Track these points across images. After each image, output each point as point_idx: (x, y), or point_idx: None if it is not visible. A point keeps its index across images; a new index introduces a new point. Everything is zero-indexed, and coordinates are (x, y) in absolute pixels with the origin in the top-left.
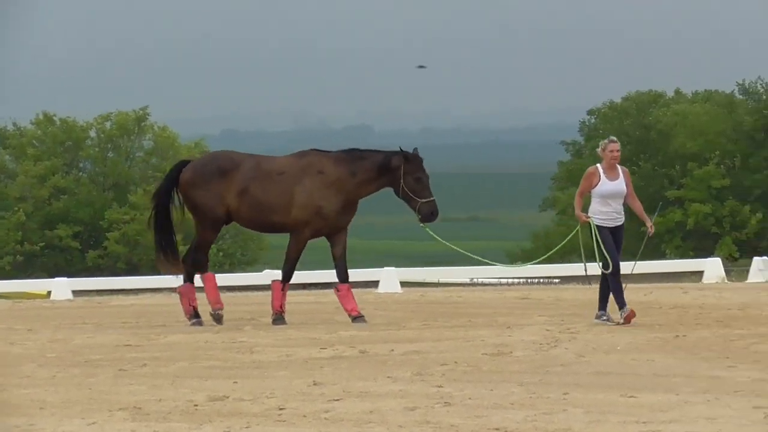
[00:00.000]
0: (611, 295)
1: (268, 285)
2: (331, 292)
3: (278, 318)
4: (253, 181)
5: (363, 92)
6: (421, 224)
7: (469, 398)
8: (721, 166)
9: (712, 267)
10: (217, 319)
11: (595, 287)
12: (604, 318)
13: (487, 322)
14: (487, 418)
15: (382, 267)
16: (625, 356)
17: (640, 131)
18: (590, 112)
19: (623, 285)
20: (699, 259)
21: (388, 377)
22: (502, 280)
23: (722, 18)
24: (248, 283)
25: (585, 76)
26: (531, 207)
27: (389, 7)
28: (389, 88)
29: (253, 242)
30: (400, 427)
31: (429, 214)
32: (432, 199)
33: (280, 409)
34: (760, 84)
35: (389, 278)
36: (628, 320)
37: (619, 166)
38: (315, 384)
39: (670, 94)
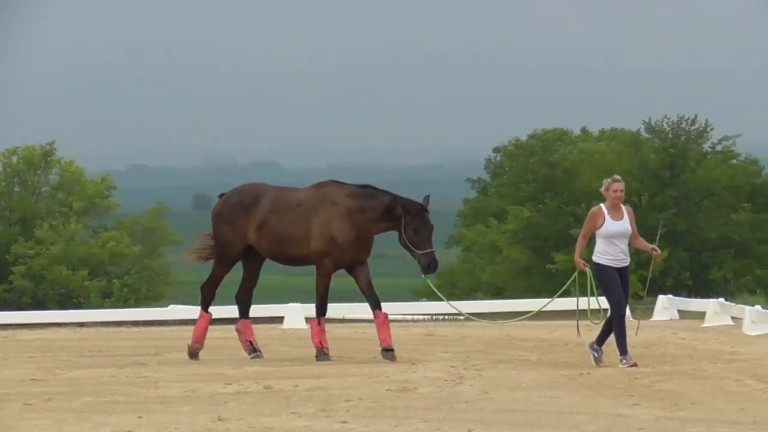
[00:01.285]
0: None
1: (174, 320)
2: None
3: (320, 354)
4: (272, 214)
5: (271, 129)
6: (423, 275)
7: None
8: (627, 204)
9: None
10: (193, 354)
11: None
12: (596, 354)
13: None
14: None
15: (288, 303)
16: (529, 393)
17: (546, 169)
18: (496, 150)
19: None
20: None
21: (293, 413)
22: (407, 316)
23: (626, 55)
24: (153, 318)
25: (490, 114)
26: (437, 244)
27: (296, 40)
28: (297, 125)
29: (159, 278)
30: None
31: (426, 266)
32: (430, 251)
33: None
34: (666, 122)
35: (294, 314)
36: (632, 365)
37: (623, 206)
38: (220, 419)
39: (576, 132)
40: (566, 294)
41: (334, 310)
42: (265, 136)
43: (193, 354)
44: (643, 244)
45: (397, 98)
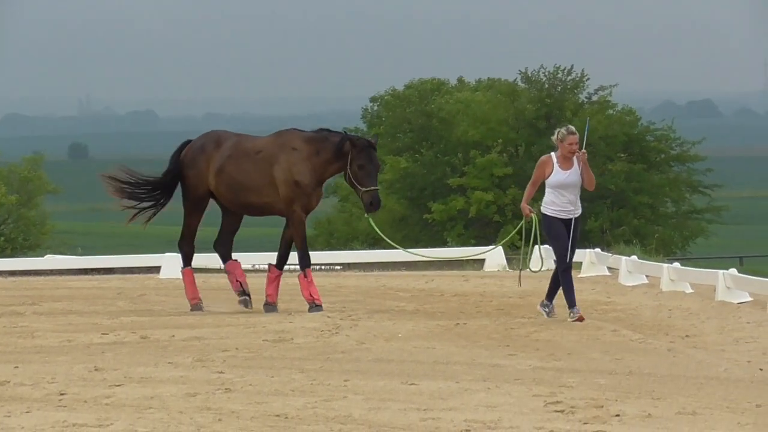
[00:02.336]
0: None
1: (51, 269)
2: (102, 277)
3: (312, 306)
4: (229, 160)
5: (148, 78)
6: (366, 215)
7: (250, 384)
8: (504, 154)
9: (494, 255)
10: (197, 309)
11: (376, 275)
12: (547, 309)
13: None
14: (267, 405)
15: (164, 252)
16: (406, 343)
17: (423, 119)
18: (372, 100)
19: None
20: (480, 248)
21: (169, 363)
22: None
23: (504, 6)
24: (29, 267)
25: (367, 64)
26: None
27: None
28: (174, 74)
29: (35, 227)
30: (180, 413)
31: (369, 204)
32: (373, 188)
33: (61, 394)
34: (543, 73)
35: (171, 264)
36: (578, 319)
37: (574, 156)
38: (96, 369)
39: (453, 82)
40: (514, 241)
41: (211, 259)
42: (142, 86)
43: (197, 309)
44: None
45: (273, 49)
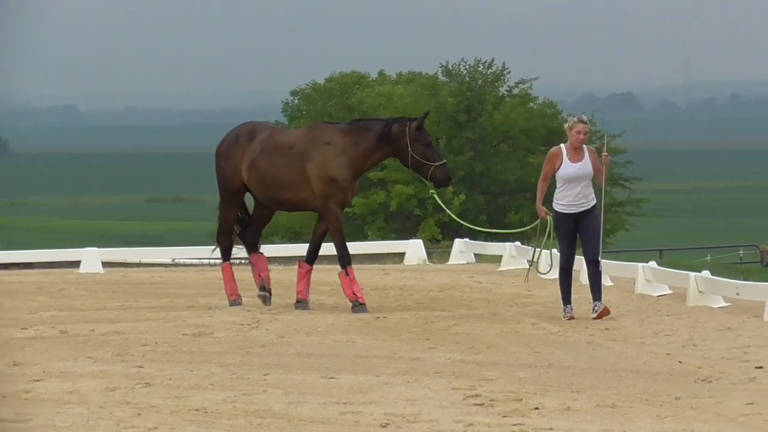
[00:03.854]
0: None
1: None
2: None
3: (355, 305)
4: (261, 154)
5: (68, 72)
6: (432, 191)
7: (170, 379)
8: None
9: (414, 248)
10: (236, 305)
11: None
12: (569, 308)
13: (188, 302)
14: (187, 399)
15: (84, 247)
16: (325, 337)
17: (344, 112)
18: (293, 93)
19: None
20: (401, 241)
21: (89, 357)
22: (203, 260)
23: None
24: None
25: (288, 58)
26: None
27: None
28: (95, 68)
29: None
30: (100, 408)
31: (446, 179)
32: (444, 162)
33: None
34: (463, 66)
35: (91, 258)
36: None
37: (585, 146)
38: (15, 364)
39: (374, 75)
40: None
41: (130, 254)
42: (62, 80)
43: (236, 304)
44: (600, 178)
45: (195, 43)
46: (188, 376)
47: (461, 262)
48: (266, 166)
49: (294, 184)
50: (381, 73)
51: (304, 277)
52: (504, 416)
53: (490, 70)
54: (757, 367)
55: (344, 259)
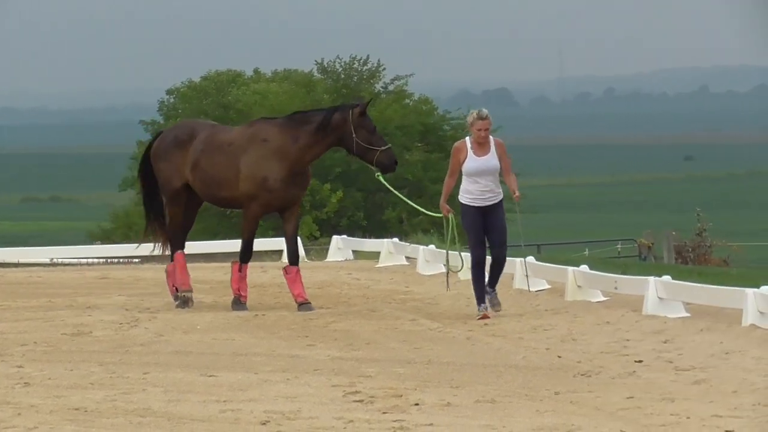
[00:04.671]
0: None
1: None
2: None
3: (236, 301)
4: (203, 154)
5: None
6: (379, 176)
7: (49, 378)
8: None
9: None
10: (185, 301)
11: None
12: (483, 307)
13: (67, 302)
14: (66, 398)
15: None
16: (205, 335)
17: (220, 111)
18: (169, 92)
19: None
20: (279, 239)
21: None
22: (82, 260)
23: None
24: None
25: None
26: (111, 187)
27: None
28: None
29: None
30: None
31: (392, 164)
32: (389, 146)
33: None
34: (339, 63)
35: None
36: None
37: (492, 138)
38: None
39: (249, 73)
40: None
41: (7, 254)
42: None
43: (185, 300)
44: (512, 182)
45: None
46: (67, 375)
47: (339, 259)
48: (207, 165)
49: (230, 181)
50: (256, 71)
51: (295, 280)
52: (384, 412)
53: (365, 67)
54: (636, 361)
55: (244, 255)
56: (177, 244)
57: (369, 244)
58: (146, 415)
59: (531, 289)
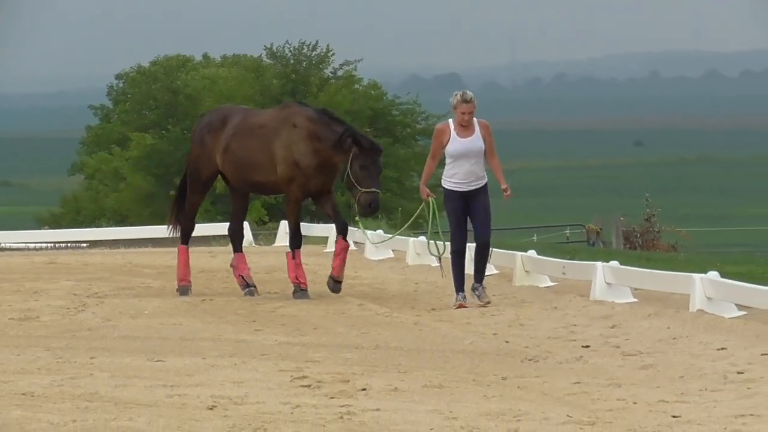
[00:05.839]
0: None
1: None
2: None
3: (297, 290)
4: (234, 138)
5: None
6: (356, 218)
7: None
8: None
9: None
10: (184, 293)
11: (122, 252)
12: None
13: (14, 287)
14: (13, 384)
15: None
16: (152, 320)
17: (169, 96)
18: (118, 77)
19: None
20: (227, 223)
21: None
22: (29, 244)
23: None
24: None
25: (112, 41)
26: (60, 172)
27: None
28: None
29: None
30: None
31: (367, 205)
32: (374, 190)
33: None
34: (288, 48)
35: None
36: (459, 307)
37: (476, 120)
38: None
39: (198, 58)
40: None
41: None
42: None
43: (184, 293)
44: (496, 166)
45: (19, 27)
46: (14, 360)
47: (287, 244)
48: (239, 149)
49: (263, 165)
50: (205, 56)
51: (340, 254)
52: (331, 397)
53: (314, 53)
54: (583, 347)
55: (294, 242)
56: (185, 236)
57: (317, 229)
58: (93, 399)
59: (433, 254)
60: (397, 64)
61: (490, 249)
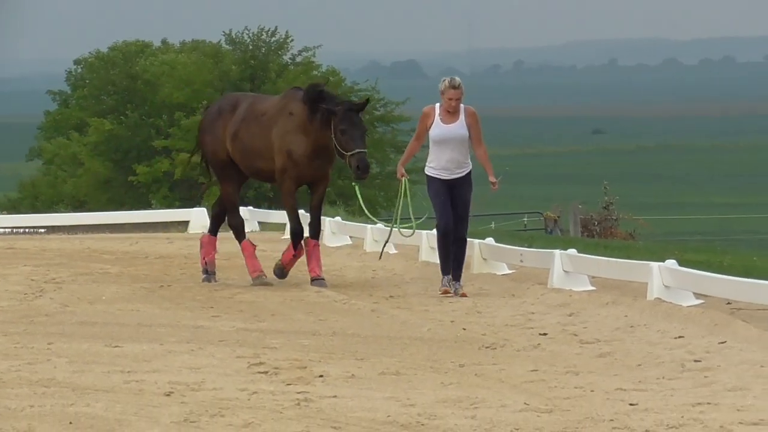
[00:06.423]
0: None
1: None
2: None
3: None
4: (241, 124)
5: None
6: (354, 183)
7: None
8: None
9: (198, 217)
10: (263, 282)
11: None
12: (447, 279)
13: None
14: None
15: None
16: (110, 306)
17: (127, 81)
18: (77, 62)
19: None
20: (185, 209)
21: None
22: None
23: None
24: None
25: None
26: (18, 157)
27: None
28: None
29: None
30: None
31: (356, 168)
32: (358, 150)
33: None
34: (247, 34)
35: None
36: (444, 293)
37: (464, 107)
38: None
39: (158, 44)
40: (405, 208)
41: None
42: None
43: (262, 282)
44: (482, 155)
45: None
46: None
47: (248, 230)
48: (245, 135)
49: (264, 153)
50: (164, 42)
51: (313, 254)
52: (288, 384)
53: (273, 39)
54: (541, 334)
55: (295, 233)
56: (238, 232)
57: (275, 216)
58: (51, 385)
59: (404, 234)
60: (355, 51)
61: (467, 243)
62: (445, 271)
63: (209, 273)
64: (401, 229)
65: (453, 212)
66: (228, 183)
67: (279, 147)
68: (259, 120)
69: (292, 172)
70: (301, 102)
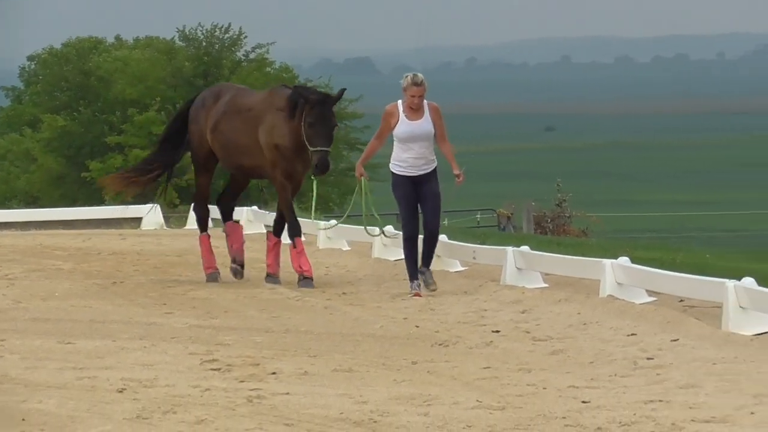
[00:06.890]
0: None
1: None
2: None
3: (301, 278)
4: (223, 116)
5: None
6: (313, 177)
7: None
8: (162, 112)
9: (151, 213)
10: (213, 280)
11: (33, 233)
12: (416, 284)
13: None
14: None
15: None
16: (63, 302)
17: (80, 77)
18: (30, 58)
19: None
20: (138, 206)
21: None
22: None
23: None
24: None
25: (25, 22)
26: None
27: None
28: None
29: None
30: None
31: (314, 166)
32: (321, 149)
33: None
34: (200, 31)
35: None
36: (416, 296)
37: (427, 103)
38: None
39: (111, 40)
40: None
41: None
42: None
43: (213, 279)
44: (447, 151)
45: None
46: None
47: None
48: (227, 129)
49: (250, 149)
50: (118, 38)
51: (273, 250)
52: (241, 381)
53: (227, 35)
54: (493, 331)
55: (293, 229)
56: (202, 224)
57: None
58: (3, 381)
59: (371, 234)
60: (308, 48)
61: (438, 235)
62: (413, 276)
63: (237, 262)
64: (367, 227)
65: (424, 207)
66: (203, 175)
67: (267, 142)
68: (242, 114)
69: (282, 165)
70: (287, 99)
